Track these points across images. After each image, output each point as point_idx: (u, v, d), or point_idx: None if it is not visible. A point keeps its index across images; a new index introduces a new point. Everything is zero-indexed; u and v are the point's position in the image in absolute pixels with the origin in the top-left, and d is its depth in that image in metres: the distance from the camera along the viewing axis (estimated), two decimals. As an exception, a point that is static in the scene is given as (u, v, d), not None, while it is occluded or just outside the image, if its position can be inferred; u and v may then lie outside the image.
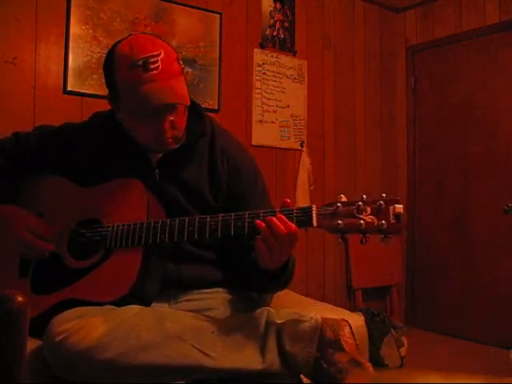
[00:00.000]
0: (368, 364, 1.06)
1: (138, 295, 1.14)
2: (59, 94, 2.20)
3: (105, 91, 2.30)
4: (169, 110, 1.14)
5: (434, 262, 3.37)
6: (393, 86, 3.59)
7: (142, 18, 2.40)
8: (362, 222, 0.97)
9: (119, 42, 1.19)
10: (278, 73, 2.95)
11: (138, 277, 1.12)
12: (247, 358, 1.04)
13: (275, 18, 2.94)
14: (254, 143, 2.81)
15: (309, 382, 1.13)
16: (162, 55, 1.12)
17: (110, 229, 1.16)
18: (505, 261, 2.97)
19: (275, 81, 2.94)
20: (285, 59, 2.98)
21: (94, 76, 2.26)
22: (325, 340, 1.07)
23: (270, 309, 1.15)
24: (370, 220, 0.97)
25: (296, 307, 1.29)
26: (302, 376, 1.12)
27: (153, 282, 1.17)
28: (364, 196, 0.99)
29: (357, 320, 1.53)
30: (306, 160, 3.02)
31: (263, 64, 2.89)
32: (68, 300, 1.13)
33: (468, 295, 3.15)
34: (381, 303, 3.33)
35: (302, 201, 2.97)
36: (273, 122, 2.92)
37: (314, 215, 1.00)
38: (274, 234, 1.01)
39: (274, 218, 1.01)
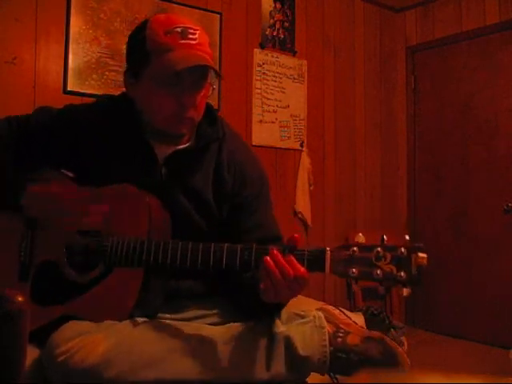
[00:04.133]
0: (379, 334, 1.05)
1: (139, 312, 1.11)
2: (59, 94, 2.20)
3: (105, 91, 2.31)
4: (198, 83, 1.11)
5: (433, 262, 3.34)
6: (393, 86, 3.59)
7: (141, 18, 2.37)
8: (378, 271, 0.87)
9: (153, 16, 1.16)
10: (278, 73, 2.95)
11: (139, 297, 1.09)
12: (251, 369, 1.03)
13: (275, 18, 2.94)
14: (254, 143, 2.81)
15: (316, 382, 1.13)
16: (199, 32, 1.11)
17: (110, 244, 1.10)
18: (505, 261, 2.97)
19: (275, 81, 2.94)
20: (285, 59, 2.98)
21: (94, 76, 2.27)
22: (330, 332, 1.07)
23: (274, 318, 1.13)
24: (388, 269, 0.87)
25: (296, 307, 1.29)
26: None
27: (154, 302, 1.14)
28: (385, 237, 0.89)
29: (357, 320, 1.53)
30: (305, 160, 3.02)
31: (263, 64, 2.89)
32: (68, 316, 1.10)
33: (468, 295, 3.15)
34: (381, 303, 3.33)
35: (302, 201, 2.97)
36: (273, 122, 2.92)
37: (328, 261, 0.92)
38: (282, 275, 0.93)
39: (283, 260, 0.94)
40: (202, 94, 1.13)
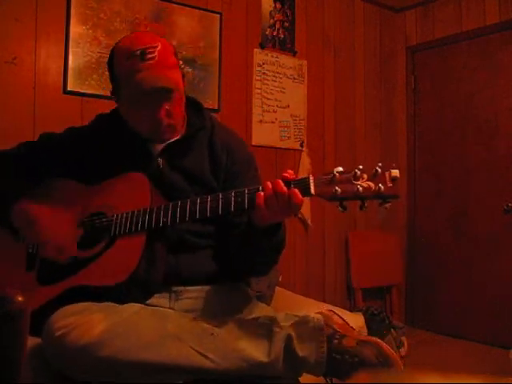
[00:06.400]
0: (374, 339, 1.07)
1: (141, 282, 1.14)
2: (59, 94, 2.20)
3: (105, 91, 2.32)
4: (163, 97, 1.20)
5: (433, 262, 3.37)
6: (393, 85, 3.59)
7: (141, 18, 2.40)
8: (359, 187, 0.97)
9: (119, 41, 1.26)
10: (277, 73, 2.95)
11: (141, 261, 1.13)
12: (249, 362, 1.04)
13: (275, 18, 2.94)
14: (254, 143, 2.81)
15: (310, 382, 1.13)
16: (159, 47, 1.19)
17: (114, 218, 1.19)
18: (505, 261, 2.97)
19: (275, 81, 2.94)
20: (285, 59, 2.98)
21: (94, 76, 2.27)
22: (326, 334, 1.08)
23: (273, 314, 1.15)
24: (366, 185, 0.98)
25: (296, 307, 1.29)
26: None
27: (156, 269, 1.17)
28: (360, 166, 1.01)
29: (357, 320, 1.53)
30: (305, 160, 3.02)
31: (263, 64, 2.88)
32: (72, 287, 1.14)
33: (468, 295, 3.15)
34: (381, 303, 3.33)
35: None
36: (273, 122, 2.92)
37: (312, 183, 1.01)
38: (277, 194, 1.02)
39: (279, 180, 1.03)
40: (172, 102, 1.22)
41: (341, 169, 1.01)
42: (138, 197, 1.20)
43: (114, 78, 1.25)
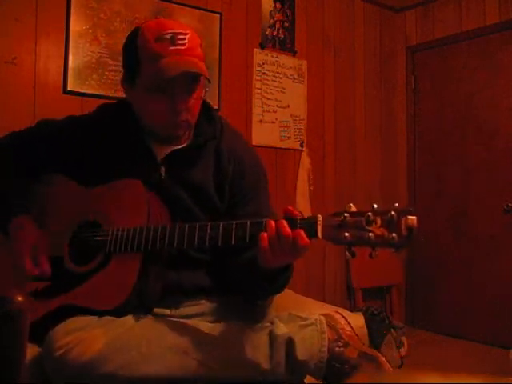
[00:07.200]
0: (375, 352, 1.07)
1: (138, 302, 1.11)
2: (59, 94, 2.20)
3: (105, 91, 2.32)
4: (188, 87, 1.13)
5: (434, 262, 3.36)
6: (393, 86, 3.59)
7: (141, 18, 2.40)
8: (370, 234, 0.88)
9: (145, 22, 1.19)
10: (277, 73, 2.95)
11: (138, 282, 1.09)
12: (250, 369, 1.03)
13: (275, 18, 2.94)
14: (254, 143, 2.80)
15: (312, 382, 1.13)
16: (189, 35, 1.13)
17: (110, 233, 1.13)
18: (505, 261, 2.97)
19: (275, 81, 2.94)
20: (285, 59, 2.98)
21: (94, 76, 2.27)
22: (330, 339, 1.08)
23: (275, 318, 1.14)
24: (379, 233, 0.88)
25: (296, 307, 1.29)
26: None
27: (152, 289, 1.15)
28: (375, 205, 0.91)
29: (357, 320, 1.53)
30: (305, 160, 3.02)
31: (263, 64, 2.89)
32: (66, 306, 1.11)
33: (468, 295, 3.15)
34: (381, 303, 3.33)
35: (302, 201, 2.97)
36: (273, 122, 2.92)
37: (319, 226, 0.93)
38: (280, 236, 0.94)
39: (284, 221, 0.95)
40: (194, 97, 1.15)
41: (353, 208, 0.92)
42: (136, 210, 1.14)
43: (131, 62, 1.15)
